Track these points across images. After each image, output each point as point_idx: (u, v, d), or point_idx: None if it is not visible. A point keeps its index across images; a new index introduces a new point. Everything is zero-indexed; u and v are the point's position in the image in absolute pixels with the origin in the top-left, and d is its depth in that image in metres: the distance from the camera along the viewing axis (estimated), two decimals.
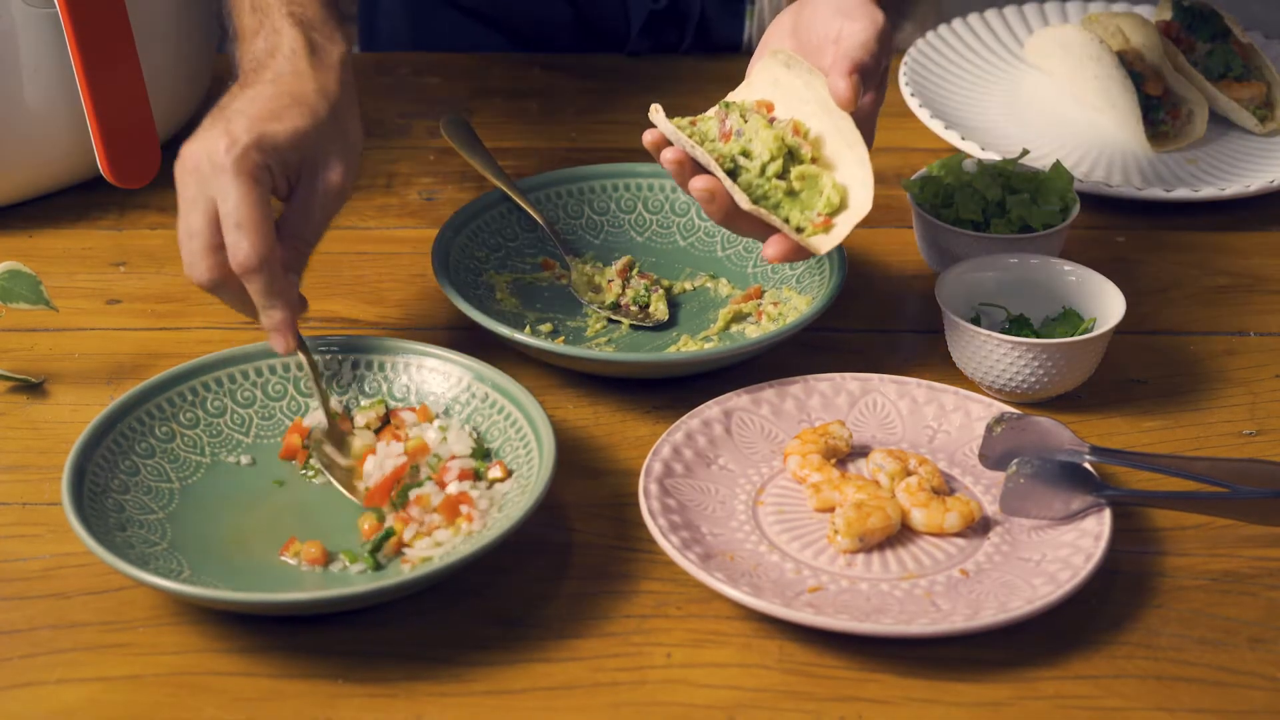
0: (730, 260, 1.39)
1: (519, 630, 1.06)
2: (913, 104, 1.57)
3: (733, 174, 1.16)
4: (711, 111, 1.19)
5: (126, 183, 1.44)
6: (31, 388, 1.27)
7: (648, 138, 1.19)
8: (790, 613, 1.02)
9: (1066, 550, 1.08)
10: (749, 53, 1.75)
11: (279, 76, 1.19)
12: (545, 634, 1.05)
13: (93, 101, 1.40)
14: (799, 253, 1.16)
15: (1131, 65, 1.59)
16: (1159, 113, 1.57)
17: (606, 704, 1.01)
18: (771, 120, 1.17)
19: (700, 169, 1.17)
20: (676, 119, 1.18)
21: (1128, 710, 1.00)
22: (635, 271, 1.36)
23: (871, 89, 1.18)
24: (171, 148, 1.56)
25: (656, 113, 1.18)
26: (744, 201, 1.14)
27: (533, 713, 1.00)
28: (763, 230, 1.17)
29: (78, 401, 1.25)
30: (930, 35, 1.68)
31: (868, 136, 1.18)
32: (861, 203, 1.14)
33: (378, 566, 1.08)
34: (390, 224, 1.48)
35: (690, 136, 1.17)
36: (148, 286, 1.39)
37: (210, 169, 1.13)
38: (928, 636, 1.02)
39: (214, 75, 1.64)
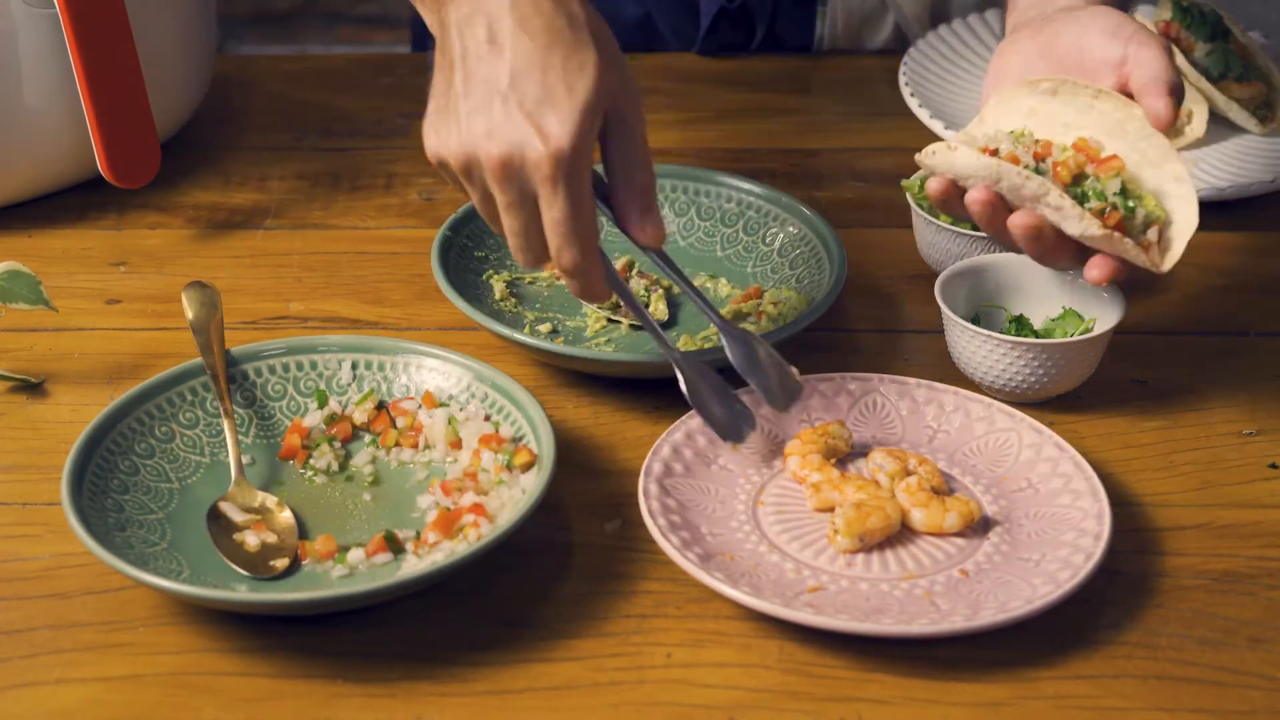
0: (730, 260, 1.39)
1: (519, 630, 1.06)
2: (913, 104, 1.57)
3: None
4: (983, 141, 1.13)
5: (126, 183, 1.45)
6: (31, 388, 1.27)
7: (935, 185, 1.12)
8: (790, 613, 1.02)
9: (1066, 550, 1.08)
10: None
11: (523, 19, 1.06)
12: (545, 634, 1.05)
13: (93, 101, 1.40)
14: (1124, 272, 1.11)
15: None
16: None
17: (606, 704, 1.01)
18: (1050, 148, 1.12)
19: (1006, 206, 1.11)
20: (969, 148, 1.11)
21: (1128, 710, 1.00)
22: (635, 271, 1.36)
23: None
24: (171, 148, 1.57)
25: (952, 150, 1.10)
26: (1093, 229, 1.08)
27: (533, 713, 1.00)
28: (1079, 257, 1.12)
29: (77, 401, 1.25)
30: (930, 35, 1.68)
31: None
32: (1188, 218, 1.10)
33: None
34: (390, 224, 1.48)
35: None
36: (148, 286, 1.39)
37: (533, 174, 1.05)
38: (928, 636, 1.02)
39: (214, 75, 1.64)
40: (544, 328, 1.31)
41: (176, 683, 1.02)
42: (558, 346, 1.23)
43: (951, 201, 1.14)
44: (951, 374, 1.27)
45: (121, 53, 1.42)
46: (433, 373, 1.21)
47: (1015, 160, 1.12)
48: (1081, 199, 1.11)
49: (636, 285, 1.33)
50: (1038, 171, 1.11)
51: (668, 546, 1.07)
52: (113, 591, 1.08)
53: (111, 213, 1.49)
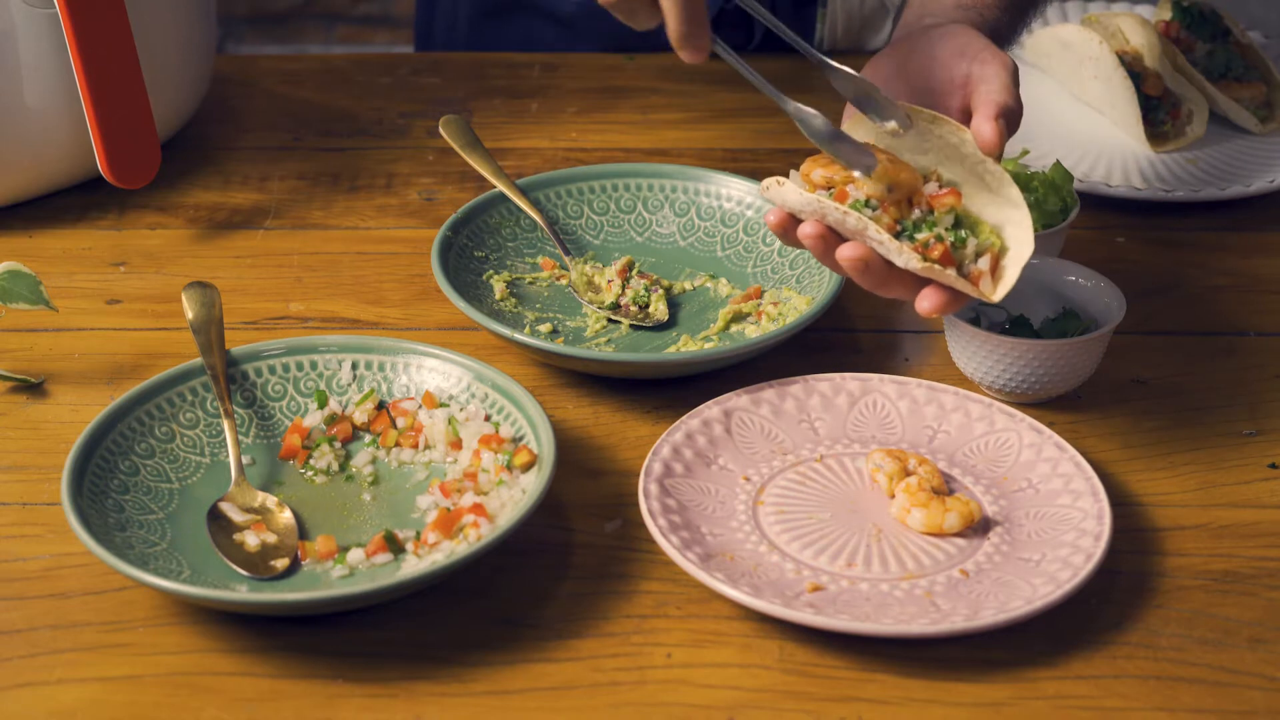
0: (730, 260, 1.39)
1: (519, 630, 1.06)
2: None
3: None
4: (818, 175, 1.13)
5: (126, 183, 1.45)
6: (31, 388, 1.27)
7: (772, 218, 1.13)
8: (790, 613, 1.02)
9: (1066, 550, 1.08)
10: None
11: None
12: (545, 634, 1.05)
13: (93, 101, 1.40)
14: (956, 304, 1.10)
15: (1131, 65, 1.59)
16: (1159, 113, 1.57)
17: (606, 704, 1.01)
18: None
19: (839, 237, 1.11)
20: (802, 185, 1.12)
21: (1128, 710, 1.00)
22: (635, 271, 1.36)
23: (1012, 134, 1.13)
24: (171, 148, 1.57)
25: (780, 185, 1.12)
26: (913, 262, 1.07)
27: (533, 713, 1.00)
28: (913, 287, 1.11)
29: (78, 401, 1.25)
30: None
31: None
32: (1023, 244, 1.09)
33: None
34: (390, 224, 1.48)
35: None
36: (147, 286, 1.39)
37: None
38: (928, 636, 1.02)
39: (214, 75, 1.64)
40: (544, 328, 1.31)
41: (176, 683, 1.02)
42: (558, 346, 1.23)
43: (789, 233, 1.13)
44: (951, 374, 1.27)
45: (121, 53, 1.42)
46: (433, 373, 1.21)
47: (844, 196, 1.10)
48: (914, 229, 1.10)
49: (637, 285, 1.33)
50: (867, 204, 1.10)
51: (668, 546, 1.07)
52: (113, 591, 1.08)
53: (111, 213, 1.49)
